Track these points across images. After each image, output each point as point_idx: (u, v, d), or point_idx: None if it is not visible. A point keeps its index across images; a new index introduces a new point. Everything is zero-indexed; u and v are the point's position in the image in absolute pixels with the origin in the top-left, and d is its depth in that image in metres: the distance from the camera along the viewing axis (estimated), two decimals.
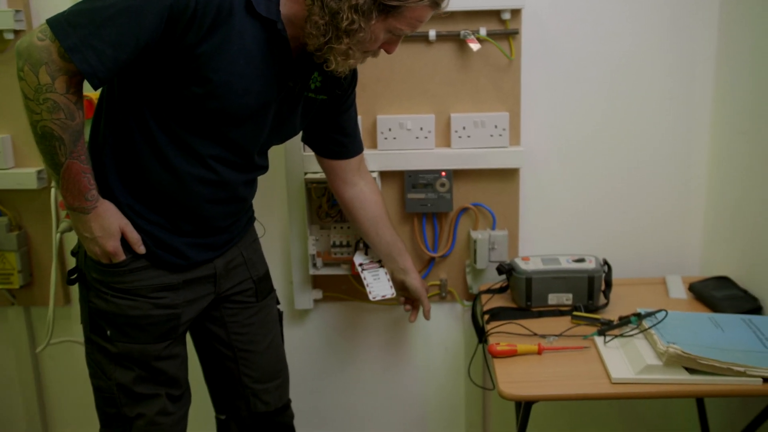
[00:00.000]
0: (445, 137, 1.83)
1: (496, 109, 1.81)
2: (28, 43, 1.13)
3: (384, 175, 1.86)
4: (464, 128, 1.80)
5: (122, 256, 1.30)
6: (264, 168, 1.50)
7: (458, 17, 1.77)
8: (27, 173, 1.87)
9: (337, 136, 1.57)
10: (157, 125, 1.27)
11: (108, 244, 1.28)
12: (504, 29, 1.77)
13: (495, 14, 1.76)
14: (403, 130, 1.82)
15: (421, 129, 1.81)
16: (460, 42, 1.78)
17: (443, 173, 1.83)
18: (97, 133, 1.33)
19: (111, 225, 1.28)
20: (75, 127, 1.18)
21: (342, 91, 1.48)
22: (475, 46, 1.75)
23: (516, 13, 1.76)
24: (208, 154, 1.31)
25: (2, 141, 1.87)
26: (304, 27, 1.24)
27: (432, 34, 1.77)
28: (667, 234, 1.90)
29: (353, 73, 1.52)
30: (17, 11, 1.81)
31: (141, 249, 1.32)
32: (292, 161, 1.84)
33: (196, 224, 1.38)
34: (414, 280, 1.72)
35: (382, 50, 1.33)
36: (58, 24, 1.12)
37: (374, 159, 1.82)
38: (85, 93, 1.22)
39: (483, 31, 1.76)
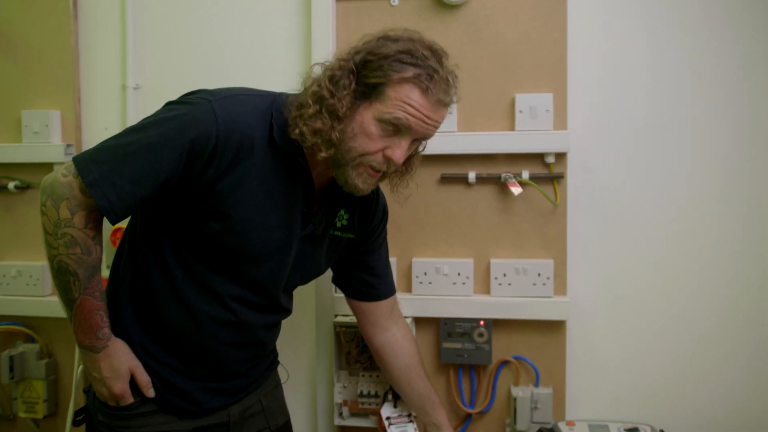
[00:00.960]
0: (484, 284, 1.75)
1: (539, 256, 1.73)
2: (53, 180, 1.17)
3: (419, 321, 1.78)
4: (505, 275, 1.72)
5: (130, 399, 1.27)
6: (287, 311, 1.45)
7: (500, 159, 1.73)
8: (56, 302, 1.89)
9: (367, 276, 1.52)
10: (176, 261, 1.26)
11: (116, 385, 1.25)
12: (548, 173, 1.71)
13: (538, 157, 1.71)
14: (440, 275, 1.75)
15: (459, 274, 1.74)
16: (501, 184, 1.73)
17: (482, 322, 1.73)
18: (117, 268, 1.33)
19: (120, 366, 1.26)
20: (91, 262, 1.19)
21: (370, 230, 1.46)
22: (516, 189, 1.69)
23: (561, 156, 1.70)
24: (226, 293, 1.28)
25: (41, 269, 1.91)
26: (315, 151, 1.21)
27: (472, 176, 1.72)
28: (738, 402, 1.71)
29: (383, 212, 1.50)
30: (68, 145, 1.89)
31: (150, 392, 1.28)
32: (321, 302, 1.80)
33: (211, 368, 1.33)
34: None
35: (388, 159, 1.21)
36: (81, 161, 1.16)
37: (409, 304, 1.75)
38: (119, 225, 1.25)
39: (525, 175, 1.70)
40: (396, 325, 1.58)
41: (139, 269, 1.29)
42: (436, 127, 1.23)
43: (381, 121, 1.18)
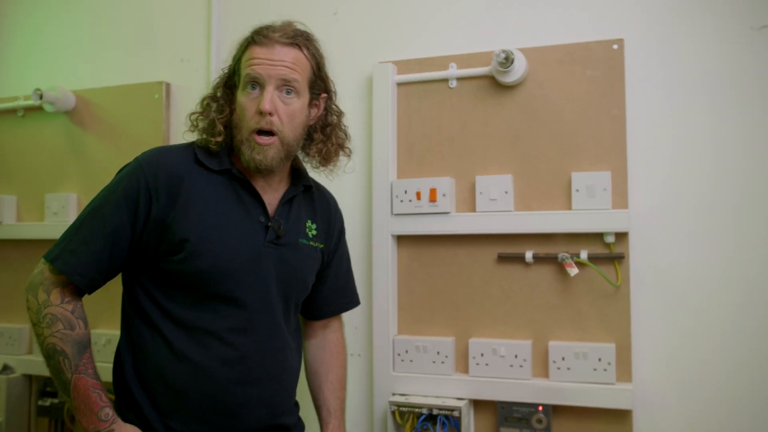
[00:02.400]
0: (542, 367, 1.74)
1: (600, 340, 1.70)
2: (30, 278, 1.33)
3: (476, 404, 1.79)
4: (564, 359, 1.70)
5: None
6: (293, 336, 1.47)
7: (557, 239, 1.75)
8: None
9: (333, 289, 1.61)
10: (162, 315, 1.34)
11: None
12: (608, 253, 1.70)
13: (598, 237, 1.71)
14: (497, 357, 1.76)
15: (516, 356, 1.74)
16: (560, 265, 1.74)
17: (540, 408, 1.72)
18: (119, 356, 1.40)
19: None
20: (76, 337, 1.28)
21: (334, 235, 1.57)
22: (572, 271, 1.69)
23: (622, 236, 1.69)
24: (219, 329, 1.33)
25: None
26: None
27: (529, 255, 1.75)
28: None
29: (341, 219, 1.63)
30: None
31: None
32: (379, 379, 1.85)
33: (232, 419, 1.34)
34: None
35: (260, 108, 1.34)
36: (49, 250, 1.33)
37: (465, 386, 1.77)
38: None
39: (584, 255, 1.70)
40: (325, 337, 1.64)
41: (135, 343, 1.36)
42: (288, 66, 1.35)
43: (244, 90, 1.36)
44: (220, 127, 1.38)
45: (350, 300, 1.67)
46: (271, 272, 1.40)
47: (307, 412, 1.62)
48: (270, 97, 1.33)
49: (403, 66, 1.91)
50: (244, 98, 1.35)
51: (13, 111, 2.35)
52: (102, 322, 2.20)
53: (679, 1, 1.71)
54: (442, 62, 1.87)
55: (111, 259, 1.32)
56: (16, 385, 2.24)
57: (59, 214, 2.22)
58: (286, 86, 1.35)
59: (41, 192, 2.29)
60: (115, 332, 2.15)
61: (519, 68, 1.75)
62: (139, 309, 1.37)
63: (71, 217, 2.22)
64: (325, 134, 1.49)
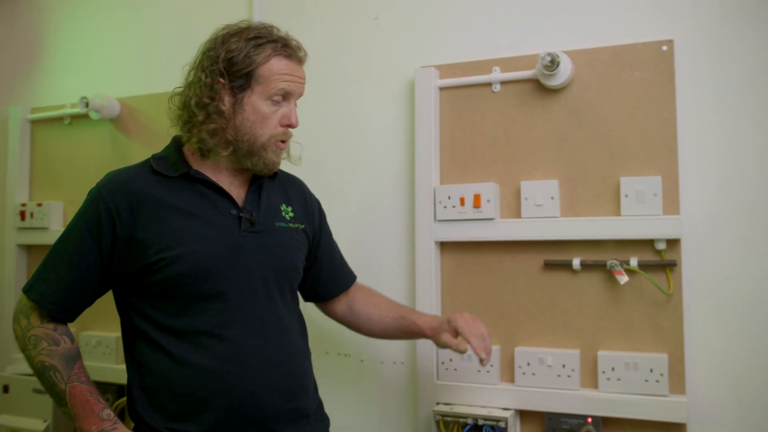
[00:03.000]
0: (591, 377, 1.72)
1: (652, 350, 1.67)
2: (14, 309, 1.42)
3: (522, 414, 1.77)
4: (613, 369, 1.67)
5: None
6: (292, 321, 1.50)
7: (606, 245, 1.72)
8: None
9: (328, 272, 1.66)
10: (156, 328, 1.37)
11: None
12: (659, 260, 1.66)
13: (648, 243, 1.68)
14: (544, 366, 1.74)
15: (564, 366, 1.72)
16: (609, 273, 1.71)
17: (589, 419, 1.69)
18: (129, 385, 1.42)
19: None
20: (63, 352, 1.35)
21: (312, 216, 1.60)
22: (622, 278, 1.66)
23: (673, 243, 1.66)
24: (213, 325, 1.36)
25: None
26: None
27: (576, 262, 1.72)
28: None
29: (314, 199, 1.65)
30: None
31: None
32: (423, 389, 1.85)
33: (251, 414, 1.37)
34: (436, 324, 1.59)
35: (288, 128, 1.43)
36: (27, 282, 1.42)
37: (510, 396, 1.76)
38: None
39: (634, 262, 1.67)
40: (352, 294, 1.70)
41: (139, 362, 1.40)
42: (304, 83, 1.45)
43: (269, 98, 1.39)
44: (230, 140, 1.39)
45: (350, 273, 1.72)
46: (252, 260, 1.42)
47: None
48: (296, 113, 1.44)
49: (445, 70, 1.91)
50: (266, 108, 1.40)
51: (60, 119, 2.42)
52: (92, 324, 2.31)
53: (731, 1, 1.67)
54: (485, 66, 1.86)
55: (83, 286, 1.39)
56: None
57: None
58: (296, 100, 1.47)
59: None
60: (105, 334, 2.26)
61: (564, 71, 1.73)
62: (135, 329, 1.42)
63: None
64: None
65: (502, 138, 1.84)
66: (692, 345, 1.66)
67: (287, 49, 1.41)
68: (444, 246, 1.89)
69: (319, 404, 1.56)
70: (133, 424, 1.41)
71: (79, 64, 2.49)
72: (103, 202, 1.38)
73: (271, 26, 1.45)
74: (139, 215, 1.37)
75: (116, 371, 2.22)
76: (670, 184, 1.67)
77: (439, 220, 1.85)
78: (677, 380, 1.65)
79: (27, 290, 1.40)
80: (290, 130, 1.45)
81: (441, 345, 1.57)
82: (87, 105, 2.23)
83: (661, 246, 1.66)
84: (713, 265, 1.66)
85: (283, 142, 1.45)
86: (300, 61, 1.44)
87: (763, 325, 1.62)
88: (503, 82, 1.84)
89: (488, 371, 1.79)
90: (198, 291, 1.37)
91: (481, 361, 1.50)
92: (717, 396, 1.65)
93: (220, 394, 1.35)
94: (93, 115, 2.27)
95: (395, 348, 1.95)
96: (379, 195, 1.86)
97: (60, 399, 1.33)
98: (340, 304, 1.69)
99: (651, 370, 1.65)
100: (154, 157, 1.47)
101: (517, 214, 1.80)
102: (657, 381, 1.64)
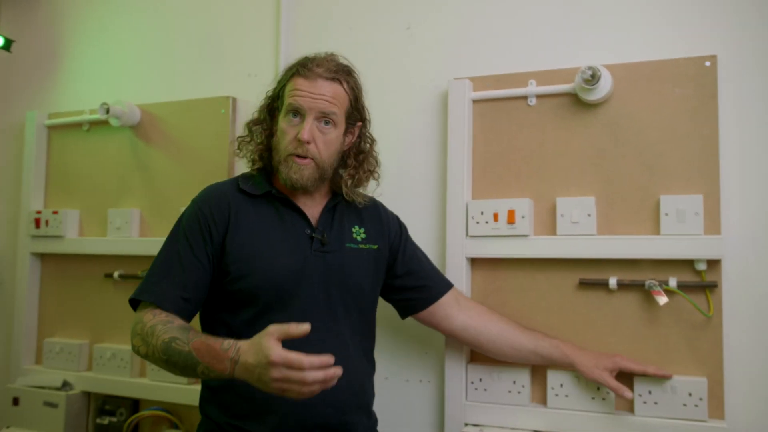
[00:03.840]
0: (628, 401, 1.69)
1: (690, 373, 1.65)
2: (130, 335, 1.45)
3: None
4: (650, 392, 1.65)
5: (294, 355, 1.22)
6: (358, 338, 1.59)
7: (644, 265, 1.71)
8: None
9: (419, 281, 1.70)
10: (229, 333, 1.45)
11: (272, 371, 1.22)
12: (699, 281, 1.65)
13: (688, 264, 1.66)
14: (578, 388, 1.72)
15: (599, 388, 1.70)
16: (645, 292, 1.69)
17: None
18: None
19: (260, 346, 1.24)
20: (178, 325, 1.38)
21: (391, 237, 1.68)
22: (661, 299, 1.64)
23: (714, 263, 1.64)
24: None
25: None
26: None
27: (613, 282, 1.71)
28: None
29: (396, 220, 1.74)
30: None
31: (304, 327, 1.25)
32: (452, 408, 1.82)
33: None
34: (590, 358, 1.66)
35: (299, 137, 1.49)
36: (131, 298, 1.49)
37: (542, 417, 1.74)
38: None
39: (673, 283, 1.65)
40: (468, 309, 1.72)
41: None
42: (328, 101, 1.50)
43: (285, 116, 1.52)
44: (255, 157, 1.60)
45: (443, 283, 1.74)
46: (319, 278, 1.53)
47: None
48: (309, 128, 1.49)
49: (479, 82, 1.90)
50: (285, 124, 1.52)
51: (78, 125, 2.41)
52: (107, 336, 2.30)
53: None
54: (520, 79, 1.85)
55: (196, 288, 1.48)
56: (75, 402, 2.27)
57: (122, 230, 2.26)
58: (324, 118, 1.51)
59: (104, 207, 2.33)
60: (119, 346, 2.25)
61: (605, 86, 1.72)
62: (211, 330, 1.53)
63: (134, 232, 2.25)
64: (357, 161, 1.64)
65: (536, 153, 1.83)
66: (732, 369, 1.64)
67: (303, 68, 1.52)
68: (475, 262, 1.87)
69: (374, 422, 1.64)
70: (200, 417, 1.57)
71: (99, 69, 2.48)
72: (200, 211, 1.51)
73: (327, 53, 1.58)
74: (227, 227, 1.50)
75: (131, 385, 2.20)
76: (711, 203, 1.65)
77: (471, 236, 1.84)
78: (716, 405, 1.62)
79: (138, 294, 1.46)
80: (311, 148, 1.50)
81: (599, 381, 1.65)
82: (107, 111, 2.22)
83: (702, 267, 1.64)
84: (755, 288, 1.64)
85: (299, 157, 1.51)
86: (319, 76, 1.51)
87: None
88: (539, 96, 1.83)
89: (519, 392, 1.77)
90: (266, 303, 1.49)
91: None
92: (757, 422, 1.62)
93: (277, 400, 1.40)
94: (113, 122, 2.26)
95: (421, 366, 1.94)
96: (410, 208, 1.85)
97: (193, 363, 1.31)
98: (451, 320, 1.71)
99: (690, 394, 1.62)
100: (243, 176, 1.60)
101: (552, 231, 1.79)
102: (696, 405, 1.62)
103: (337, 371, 1.23)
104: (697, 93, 1.69)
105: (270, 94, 1.61)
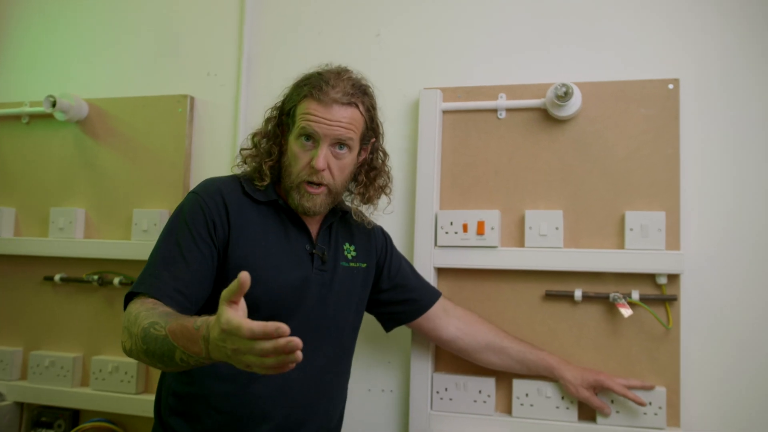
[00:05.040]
0: (590, 410, 1.76)
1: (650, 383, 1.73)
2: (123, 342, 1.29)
3: None
4: (612, 402, 1.73)
5: (255, 324, 1.03)
6: (341, 363, 1.60)
7: (608, 278, 1.79)
8: (150, 400, 2.01)
9: (406, 294, 1.71)
10: None
11: (227, 341, 1.04)
12: (660, 294, 1.74)
13: (649, 278, 1.75)
14: (542, 397, 1.78)
15: (563, 398, 1.76)
16: (609, 304, 1.77)
17: None
18: (161, 385, 1.53)
19: (216, 317, 1.07)
20: (163, 311, 1.23)
21: (379, 253, 1.67)
22: (626, 311, 1.72)
23: (674, 278, 1.74)
24: None
25: (136, 366, 2.05)
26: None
27: (578, 294, 1.78)
28: None
29: (382, 234, 1.73)
30: None
31: (244, 276, 1.04)
32: (416, 419, 1.84)
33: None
34: (575, 374, 1.72)
35: (313, 165, 1.45)
36: (128, 292, 1.36)
37: (507, 426, 1.79)
38: None
39: (636, 295, 1.74)
40: (456, 318, 1.75)
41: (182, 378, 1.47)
42: (345, 127, 1.45)
43: (297, 139, 1.46)
44: (266, 171, 1.51)
45: (432, 293, 1.76)
46: (314, 297, 1.51)
47: None
48: (323, 155, 1.45)
49: (449, 93, 1.94)
50: (297, 148, 1.47)
51: (17, 117, 2.30)
52: (45, 344, 2.20)
53: (737, 43, 1.79)
54: (491, 92, 1.90)
55: (197, 283, 1.38)
56: (6, 414, 2.15)
57: (65, 230, 2.16)
58: (339, 143, 1.47)
59: (45, 205, 2.23)
60: (59, 353, 2.15)
61: (575, 103, 1.79)
62: None
63: (78, 233, 2.16)
64: (369, 178, 1.61)
65: (505, 165, 1.88)
66: (688, 379, 1.74)
67: (318, 90, 1.44)
68: (442, 272, 1.91)
69: None
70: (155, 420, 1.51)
71: (41, 59, 2.37)
72: (205, 203, 1.44)
73: (340, 70, 1.51)
74: (230, 229, 1.44)
75: (72, 395, 2.10)
76: (672, 220, 1.75)
77: (440, 246, 1.87)
78: (673, 413, 1.72)
79: (135, 289, 1.33)
80: (325, 175, 1.46)
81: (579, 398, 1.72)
82: (54, 105, 2.12)
83: (663, 281, 1.74)
84: (711, 301, 1.75)
85: (312, 185, 1.47)
86: (335, 102, 1.44)
87: (758, 362, 1.72)
88: (509, 109, 1.89)
89: (485, 402, 1.81)
90: (263, 318, 1.34)
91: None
92: (711, 430, 1.73)
93: (254, 418, 1.42)
94: (59, 116, 2.17)
95: (385, 376, 1.95)
96: (379, 216, 1.85)
97: (170, 350, 1.15)
98: (439, 331, 1.74)
99: (650, 404, 1.71)
100: (245, 178, 1.53)
101: (519, 243, 1.85)
102: (655, 414, 1.71)
103: (297, 344, 1.00)
104: (660, 114, 1.78)
105: (279, 105, 1.56)
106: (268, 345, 1.00)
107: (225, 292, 1.04)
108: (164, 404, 1.50)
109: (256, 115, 2.07)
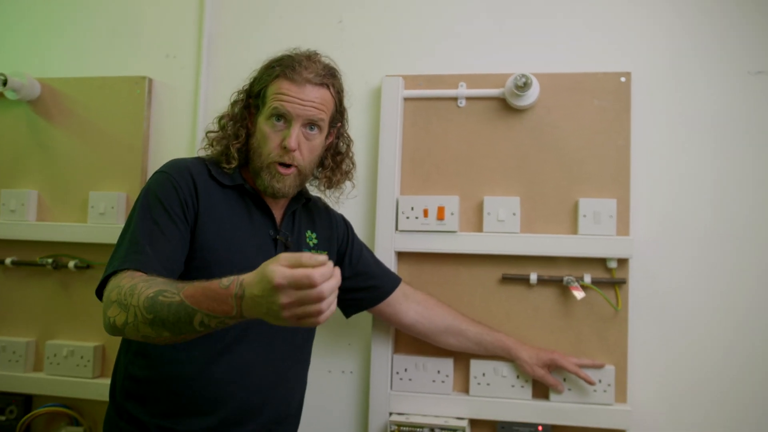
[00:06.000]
0: (543, 388, 1.86)
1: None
2: (103, 306, 1.26)
3: (474, 423, 1.88)
4: (564, 380, 1.83)
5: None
6: (299, 351, 1.63)
7: (561, 262, 1.87)
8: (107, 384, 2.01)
9: (368, 281, 1.76)
10: None
11: (281, 296, 1.04)
12: (610, 278, 1.84)
13: (601, 262, 1.85)
14: (498, 376, 1.86)
15: (518, 377, 1.85)
16: (562, 287, 1.86)
17: (540, 428, 1.83)
18: (119, 363, 1.53)
19: (264, 273, 1.07)
20: (163, 280, 1.22)
21: (339, 240, 1.72)
22: (579, 294, 1.82)
23: (623, 262, 1.84)
24: (226, 337, 1.46)
25: (92, 350, 2.05)
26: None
27: (533, 277, 1.86)
28: None
29: (343, 221, 1.78)
30: None
31: (321, 258, 1.06)
32: (376, 398, 1.90)
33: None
34: (531, 354, 1.81)
35: (285, 145, 1.48)
36: (107, 268, 1.32)
37: (464, 405, 1.86)
38: None
39: (588, 279, 1.83)
40: (416, 303, 1.82)
41: (138, 350, 1.48)
42: (317, 107, 1.48)
43: (268, 119, 1.48)
44: (234, 153, 1.52)
45: (392, 279, 1.81)
46: None
47: None
48: (296, 135, 1.47)
49: (410, 81, 1.99)
50: (268, 128, 1.49)
51: None
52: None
53: (683, 43, 1.90)
54: (451, 80, 1.97)
55: (177, 261, 1.39)
56: None
57: (17, 212, 2.13)
58: (310, 124, 1.50)
59: None
60: (11, 338, 2.13)
61: (534, 93, 1.87)
62: None
63: (30, 216, 2.13)
64: (335, 162, 1.65)
65: (465, 153, 1.95)
66: (635, 358, 1.85)
67: (291, 70, 1.47)
68: (402, 256, 1.97)
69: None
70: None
71: None
72: (176, 182, 1.43)
73: (311, 53, 1.54)
74: (198, 210, 1.45)
75: (25, 380, 2.09)
76: (622, 207, 1.85)
77: (401, 230, 1.93)
78: (621, 390, 1.83)
79: (118, 267, 1.28)
80: (296, 155, 1.49)
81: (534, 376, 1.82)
82: (5, 83, 2.08)
83: (613, 265, 1.84)
84: (658, 284, 1.87)
85: (283, 165, 1.49)
86: (308, 82, 1.47)
87: (700, 341, 1.84)
88: (469, 98, 1.96)
89: (443, 381, 1.89)
90: None
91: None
92: (654, 404, 1.85)
93: (213, 402, 1.43)
94: (10, 95, 2.13)
95: (345, 357, 2.00)
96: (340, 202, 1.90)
97: (187, 314, 1.13)
98: (400, 316, 1.80)
99: (600, 381, 1.82)
100: (210, 161, 1.54)
101: (478, 227, 1.92)
102: (605, 391, 1.81)
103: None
104: (613, 105, 1.88)
105: (246, 88, 1.57)
106: (333, 283, 1.05)
107: (285, 256, 1.06)
108: (120, 387, 1.49)
109: (216, 98, 2.11)
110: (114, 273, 1.29)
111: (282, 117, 1.48)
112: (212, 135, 1.58)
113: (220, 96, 2.10)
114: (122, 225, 1.99)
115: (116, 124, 2.13)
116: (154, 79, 2.15)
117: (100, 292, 1.31)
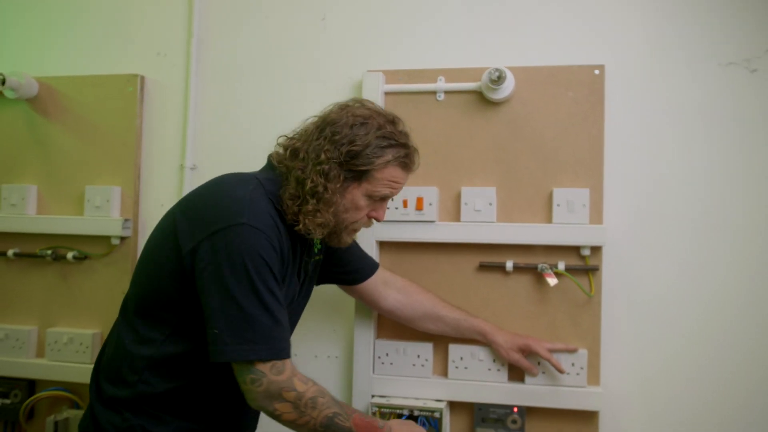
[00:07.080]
0: (519, 371, 1.94)
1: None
2: (253, 392, 1.39)
3: (453, 405, 1.97)
4: (539, 363, 1.91)
5: None
6: None
7: (537, 250, 1.95)
8: None
9: (348, 266, 1.83)
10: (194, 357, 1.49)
11: None
12: (584, 265, 1.91)
13: (575, 250, 1.93)
14: (475, 360, 1.94)
15: (494, 360, 1.93)
16: (538, 274, 1.94)
17: (515, 409, 1.91)
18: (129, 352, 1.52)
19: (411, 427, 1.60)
20: (332, 397, 1.48)
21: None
22: (552, 281, 1.89)
23: (596, 249, 1.91)
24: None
25: (91, 337, 2.15)
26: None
27: (509, 265, 1.94)
28: None
29: None
30: (126, 220, 2.17)
31: None
32: (359, 382, 1.99)
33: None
34: (506, 338, 1.89)
35: (372, 219, 1.59)
36: (240, 352, 1.37)
37: (443, 388, 1.95)
38: None
39: (561, 266, 1.91)
40: (395, 290, 1.91)
41: (169, 367, 1.51)
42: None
43: (370, 196, 1.53)
44: (327, 224, 1.51)
45: (371, 264, 1.89)
46: (304, 295, 1.71)
47: None
48: (384, 209, 1.60)
49: (391, 76, 2.06)
50: (363, 201, 1.53)
51: None
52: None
53: (656, 36, 1.96)
54: (430, 75, 2.04)
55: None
56: None
57: (18, 206, 2.24)
58: None
59: None
60: (14, 326, 2.24)
61: (508, 86, 1.94)
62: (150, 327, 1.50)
63: (30, 210, 2.23)
64: None
65: (443, 145, 2.02)
66: (607, 342, 1.93)
67: (407, 160, 1.54)
68: (383, 245, 2.05)
69: None
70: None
71: None
72: (271, 245, 1.41)
73: (395, 118, 1.56)
74: (284, 259, 1.50)
75: (28, 366, 2.21)
76: (595, 196, 1.92)
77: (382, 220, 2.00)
78: (594, 373, 1.91)
79: (274, 356, 1.40)
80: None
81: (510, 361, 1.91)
82: (4, 82, 2.18)
83: (586, 252, 1.91)
84: (630, 271, 1.94)
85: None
86: (413, 171, 1.58)
87: (670, 326, 1.92)
88: (447, 92, 2.03)
89: (423, 365, 1.97)
90: None
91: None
92: (625, 387, 1.93)
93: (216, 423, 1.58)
94: (9, 94, 2.23)
95: (330, 342, 2.09)
96: None
97: None
98: (380, 302, 1.90)
99: (573, 364, 1.89)
100: (273, 194, 1.49)
101: (456, 217, 2.00)
102: (578, 374, 1.89)
103: None
104: (587, 98, 1.94)
105: (344, 152, 1.47)
106: None
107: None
108: (121, 397, 1.50)
109: (206, 95, 2.19)
110: (253, 355, 1.38)
111: (383, 198, 1.56)
112: (293, 192, 1.48)
113: (210, 93, 2.22)
114: (117, 217, 2.15)
115: (110, 121, 2.22)
116: (146, 77, 2.24)
117: (228, 356, 1.37)
